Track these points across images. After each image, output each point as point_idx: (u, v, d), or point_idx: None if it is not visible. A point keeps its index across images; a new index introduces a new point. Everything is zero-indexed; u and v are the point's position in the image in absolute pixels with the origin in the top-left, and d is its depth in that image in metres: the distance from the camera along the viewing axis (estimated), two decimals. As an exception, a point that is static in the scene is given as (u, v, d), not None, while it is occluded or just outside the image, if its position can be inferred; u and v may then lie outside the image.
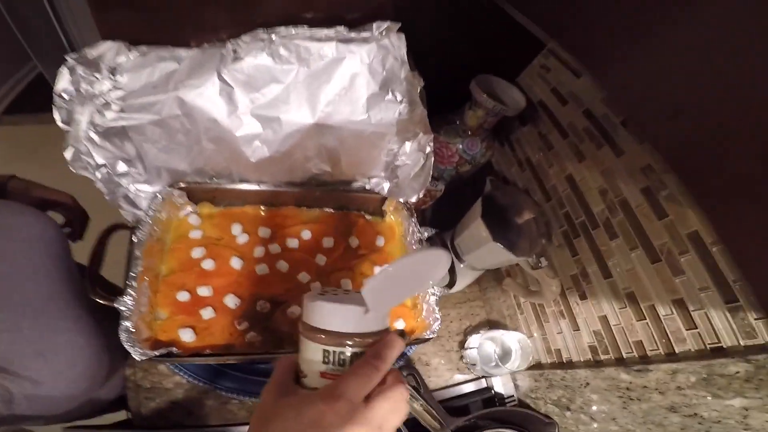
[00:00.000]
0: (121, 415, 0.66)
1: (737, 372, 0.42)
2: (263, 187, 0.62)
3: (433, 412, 0.61)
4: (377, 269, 0.63)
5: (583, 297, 0.62)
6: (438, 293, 0.59)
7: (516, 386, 0.76)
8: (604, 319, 0.59)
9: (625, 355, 0.56)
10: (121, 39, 0.55)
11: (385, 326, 0.33)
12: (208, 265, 0.55)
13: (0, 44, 1.74)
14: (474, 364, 0.72)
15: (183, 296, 0.53)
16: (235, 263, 0.57)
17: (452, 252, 0.69)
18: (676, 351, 0.49)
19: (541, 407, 0.71)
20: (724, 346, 0.45)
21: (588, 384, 0.60)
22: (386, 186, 0.69)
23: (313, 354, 0.31)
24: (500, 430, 0.67)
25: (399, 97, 0.60)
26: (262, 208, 0.64)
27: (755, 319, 0.41)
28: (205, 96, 0.53)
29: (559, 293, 0.64)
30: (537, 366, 0.72)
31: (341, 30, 0.57)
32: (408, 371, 0.66)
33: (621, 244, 0.56)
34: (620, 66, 0.59)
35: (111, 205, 0.59)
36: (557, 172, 0.69)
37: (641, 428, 0.54)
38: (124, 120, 0.53)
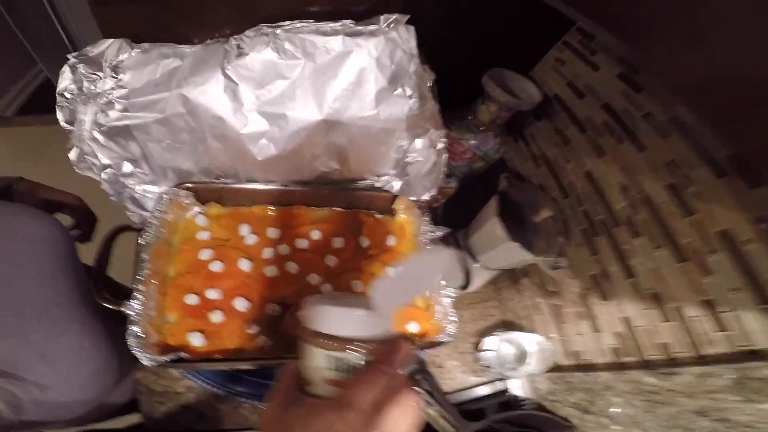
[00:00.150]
0: (134, 418, 0.66)
1: (773, 375, 0.39)
2: (271, 187, 0.61)
3: (448, 416, 0.59)
4: (388, 270, 0.61)
5: (603, 298, 0.60)
6: (452, 295, 0.57)
7: (533, 389, 0.74)
8: (626, 321, 0.56)
9: (649, 358, 0.54)
10: (122, 36, 0.53)
11: (390, 329, 0.31)
12: (216, 267, 0.54)
13: (9, 46, 1.76)
14: (490, 367, 0.70)
15: (191, 299, 0.51)
16: (244, 265, 0.55)
17: (466, 251, 0.67)
18: (705, 354, 0.47)
19: (560, 410, 0.69)
20: (758, 349, 0.42)
21: (610, 387, 0.58)
22: (396, 184, 0.67)
23: (317, 361, 0.29)
24: (517, 434, 0.65)
25: (408, 92, 0.58)
26: (270, 207, 0.62)
27: (794, 322, 0.39)
28: (209, 93, 0.52)
29: (579, 294, 0.61)
30: (555, 368, 0.69)
31: (347, 23, 0.55)
32: (421, 375, 0.64)
33: (644, 243, 0.54)
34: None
35: (117, 207, 0.58)
36: (575, 168, 0.66)
37: (666, 432, 0.52)
38: (128, 119, 0.52)
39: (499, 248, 0.60)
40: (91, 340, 0.49)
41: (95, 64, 0.52)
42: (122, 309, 0.45)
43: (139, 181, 0.57)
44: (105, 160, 0.55)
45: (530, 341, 0.69)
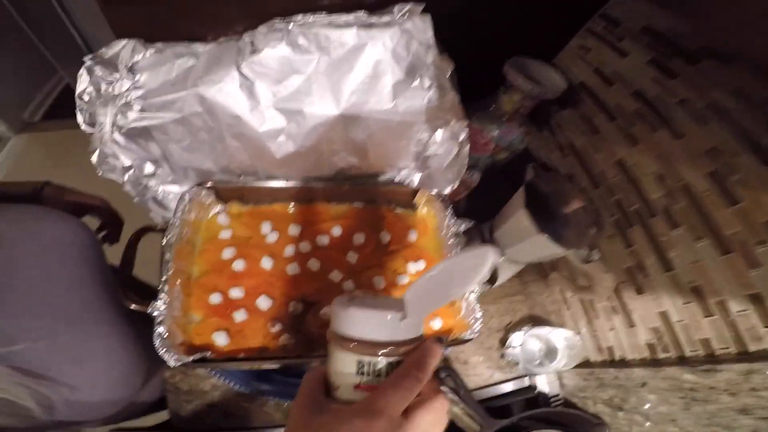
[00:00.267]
0: (163, 415, 0.67)
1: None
2: (290, 184, 0.60)
3: (473, 414, 0.57)
4: (410, 266, 0.59)
5: (639, 291, 0.57)
6: (478, 290, 0.55)
7: (562, 385, 0.72)
8: (664, 315, 0.54)
9: (688, 354, 0.51)
10: (134, 36, 0.54)
11: (421, 332, 0.30)
12: (238, 265, 0.54)
13: (30, 54, 1.81)
14: (516, 363, 0.68)
15: (215, 298, 0.51)
16: (266, 263, 0.55)
17: (491, 245, 0.65)
18: (751, 350, 0.44)
19: (590, 407, 0.66)
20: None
21: (645, 384, 0.56)
22: (417, 177, 0.66)
23: (345, 365, 0.28)
24: (545, 431, 0.63)
25: (427, 83, 0.56)
26: (291, 205, 0.62)
27: None
28: (225, 91, 0.51)
29: (613, 288, 0.59)
30: (585, 364, 0.67)
31: (361, 15, 0.54)
32: (446, 372, 0.63)
33: (684, 234, 0.51)
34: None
35: (142, 208, 0.59)
36: (605, 157, 0.63)
37: (705, 430, 0.49)
38: (147, 120, 0.52)
39: (526, 241, 0.57)
40: (119, 341, 0.50)
41: (111, 65, 0.53)
42: (148, 310, 0.45)
43: (160, 181, 0.58)
44: (126, 162, 0.55)
45: (558, 337, 0.67)
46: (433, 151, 0.62)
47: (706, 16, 0.52)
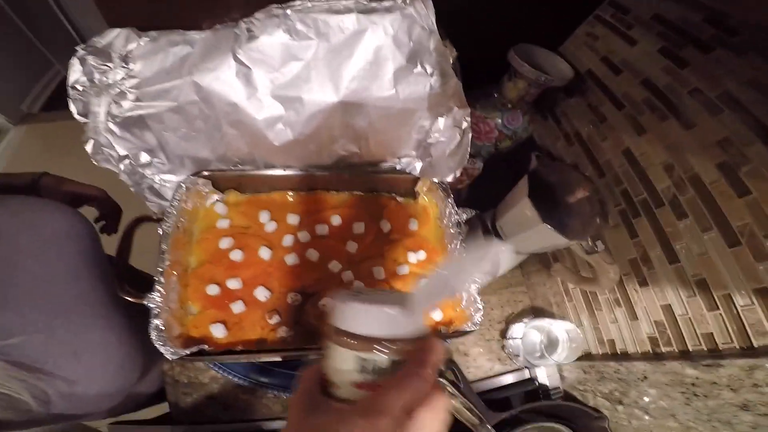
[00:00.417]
0: (163, 407, 0.67)
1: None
2: (289, 172, 0.59)
3: (473, 407, 0.57)
4: (410, 256, 0.59)
5: (643, 284, 0.56)
6: (479, 281, 0.54)
7: (562, 377, 0.71)
8: (667, 309, 0.53)
9: (691, 348, 0.50)
10: (127, 25, 0.52)
11: (424, 328, 0.28)
12: (236, 256, 0.53)
13: (25, 46, 1.80)
14: (517, 355, 0.67)
15: (213, 289, 0.51)
16: (264, 253, 0.54)
17: (494, 235, 0.64)
18: (755, 345, 0.44)
19: (590, 400, 0.66)
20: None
21: (646, 378, 0.55)
22: (418, 165, 0.64)
23: (345, 362, 0.27)
24: (545, 424, 0.62)
25: (429, 70, 0.55)
26: (290, 193, 0.61)
27: None
28: (222, 79, 0.50)
29: (618, 281, 0.58)
30: (586, 357, 0.66)
31: (361, 0, 0.52)
32: (446, 365, 0.62)
33: (691, 225, 0.50)
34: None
35: (139, 198, 0.58)
36: (612, 146, 0.62)
37: (705, 426, 0.49)
38: (141, 109, 0.51)
39: (530, 231, 0.56)
40: (116, 334, 0.49)
41: (104, 54, 0.52)
42: (144, 302, 0.44)
43: (157, 170, 0.57)
44: (122, 151, 0.54)
45: (560, 329, 0.67)
46: (435, 139, 0.61)
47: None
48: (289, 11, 0.51)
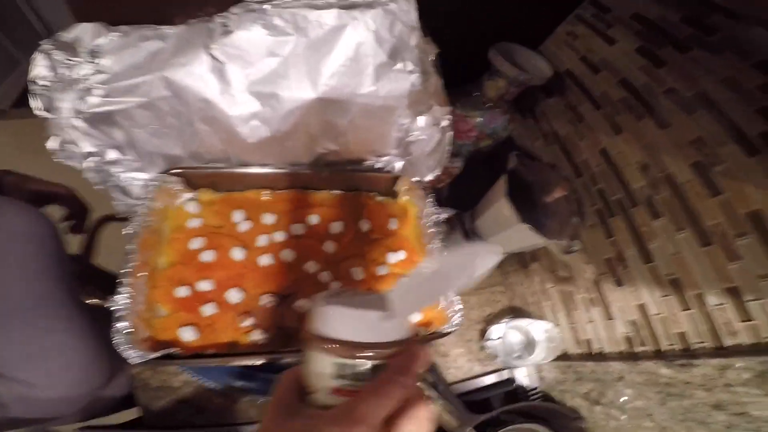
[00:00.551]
0: (133, 413, 0.65)
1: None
2: (265, 170, 0.57)
3: (452, 410, 0.57)
4: (389, 256, 0.58)
5: (618, 283, 0.57)
6: (468, 286, 0.53)
7: (541, 378, 0.71)
8: (642, 308, 0.53)
9: (665, 348, 0.51)
10: (96, 20, 0.50)
11: (408, 333, 0.27)
12: (208, 256, 0.51)
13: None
14: (496, 356, 0.67)
15: (183, 291, 0.49)
16: (237, 254, 0.53)
17: (472, 234, 0.64)
18: (726, 345, 0.44)
19: (568, 401, 0.67)
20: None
21: (622, 378, 0.56)
22: (398, 164, 0.64)
23: (323, 367, 0.26)
24: (524, 425, 0.62)
25: (410, 67, 0.54)
26: (265, 192, 0.59)
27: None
28: (194, 74, 0.48)
29: (592, 280, 0.58)
30: (564, 357, 0.67)
31: (343, -5, 0.51)
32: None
33: (665, 225, 0.50)
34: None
35: (104, 196, 0.56)
36: (589, 146, 0.62)
37: (680, 426, 0.49)
38: (110, 104, 0.49)
39: (508, 231, 0.56)
40: (77, 336, 0.47)
41: (71, 49, 0.50)
42: (106, 305, 0.42)
43: (125, 168, 0.55)
44: (88, 148, 0.52)
45: (538, 329, 0.67)
46: (415, 137, 0.60)
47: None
48: (266, 6, 0.49)
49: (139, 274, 0.46)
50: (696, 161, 0.47)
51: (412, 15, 0.53)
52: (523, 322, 0.67)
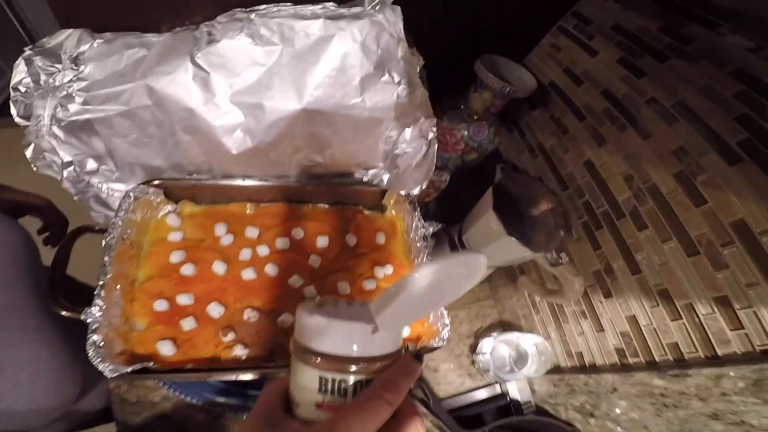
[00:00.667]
0: (112, 427, 0.62)
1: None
2: (249, 183, 0.56)
3: (443, 426, 0.55)
4: (377, 270, 0.57)
5: (607, 295, 0.56)
6: (457, 297, 0.53)
7: (533, 391, 0.70)
8: (632, 319, 0.53)
9: (657, 359, 0.50)
10: (81, 26, 0.50)
11: (397, 347, 0.26)
12: (188, 270, 0.50)
13: None
14: (487, 370, 0.66)
15: (161, 305, 0.47)
16: (219, 268, 0.51)
17: (460, 248, 0.63)
18: (719, 354, 0.44)
19: (562, 414, 0.65)
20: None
21: (616, 390, 0.55)
22: (386, 177, 0.63)
23: (307, 380, 0.24)
24: (517, 440, 0.61)
25: (396, 78, 0.54)
26: (249, 205, 0.58)
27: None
28: (177, 83, 0.48)
29: (582, 292, 0.58)
30: (556, 370, 0.66)
31: (329, 5, 0.52)
32: (415, 382, 0.60)
33: (651, 236, 0.50)
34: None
35: (81, 207, 0.54)
36: (574, 158, 0.63)
37: (677, 437, 0.48)
38: (89, 112, 0.48)
39: (495, 244, 0.56)
40: (49, 348, 0.45)
41: (53, 56, 0.49)
42: (81, 317, 0.41)
43: (104, 179, 0.53)
44: (66, 157, 0.51)
45: (529, 342, 0.66)
46: (402, 150, 0.60)
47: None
48: (253, 15, 0.49)
49: (116, 287, 0.45)
50: (678, 171, 0.48)
51: (398, 26, 0.53)
52: (513, 336, 0.66)
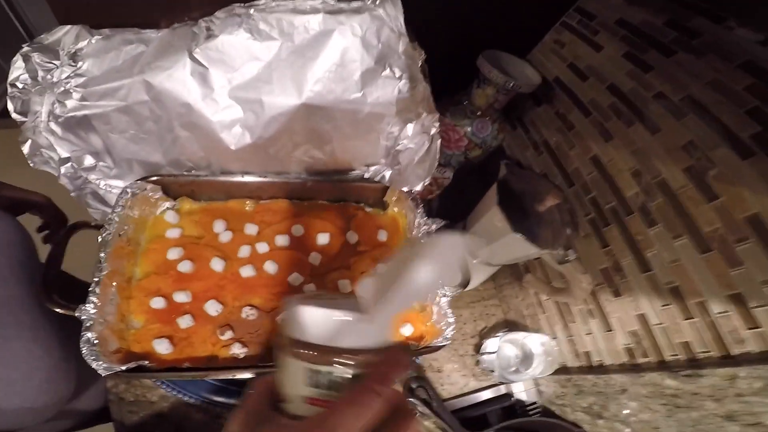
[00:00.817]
0: (110, 427, 0.61)
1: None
2: (248, 179, 0.56)
3: (447, 427, 0.54)
4: (380, 264, 0.56)
5: (616, 294, 0.54)
6: (450, 293, 0.51)
7: (539, 392, 0.68)
8: (642, 318, 0.51)
9: (669, 359, 0.48)
10: (80, 22, 0.49)
11: (387, 339, 0.25)
12: (185, 267, 0.49)
13: None
14: (492, 371, 0.64)
15: (158, 303, 0.47)
16: (217, 265, 0.50)
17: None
18: (734, 353, 0.42)
19: (569, 415, 0.63)
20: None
21: (625, 390, 0.53)
22: (387, 174, 0.62)
23: (296, 374, 0.24)
24: (523, 443, 0.59)
25: (398, 73, 0.53)
26: (248, 202, 0.57)
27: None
28: (175, 78, 0.47)
29: (590, 290, 0.56)
30: (563, 370, 0.64)
31: (329, 0, 0.51)
32: (418, 382, 0.59)
33: (661, 233, 0.49)
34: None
35: (79, 204, 0.54)
36: (580, 154, 0.61)
37: (690, 438, 0.47)
38: (87, 108, 0.48)
39: (500, 241, 0.54)
40: (43, 345, 0.45)
41: (51, 52, 0.49)
42: (75, 314, 0.40)
43: (102, 175, 0.53)
44: (64, 154, 0.50)
45: (534, 342, 0.64)
46: (404, 146, 0.59)
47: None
48: (252, 10, 0.49)
49: (112, 284, 0.44)
50: (689, 166, 0.46)
51: (399, 20, 0.52)
52: (518, 336, 0.65)
